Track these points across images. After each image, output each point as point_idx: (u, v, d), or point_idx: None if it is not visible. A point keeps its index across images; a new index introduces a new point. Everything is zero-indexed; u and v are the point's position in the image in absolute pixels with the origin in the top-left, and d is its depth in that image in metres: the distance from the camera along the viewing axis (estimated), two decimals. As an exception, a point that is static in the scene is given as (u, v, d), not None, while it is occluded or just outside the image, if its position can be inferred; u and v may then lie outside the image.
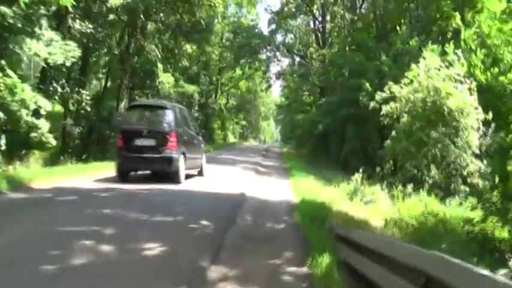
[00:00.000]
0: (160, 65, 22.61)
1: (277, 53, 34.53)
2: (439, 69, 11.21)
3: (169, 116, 9.42)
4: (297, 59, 35.81)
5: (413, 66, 11.54)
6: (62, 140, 17.09)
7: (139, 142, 8.99)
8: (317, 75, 28.93)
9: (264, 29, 35.01)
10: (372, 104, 12.42)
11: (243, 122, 62.23)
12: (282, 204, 7.85)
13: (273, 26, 32.11)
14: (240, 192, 8.53)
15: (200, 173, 11.25)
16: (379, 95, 12.02)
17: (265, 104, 68.19)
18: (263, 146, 53.24)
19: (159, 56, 22.59)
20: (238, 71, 43.10)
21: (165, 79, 22.84)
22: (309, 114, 26.38)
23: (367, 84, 16.76)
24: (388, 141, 12.43)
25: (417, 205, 7.74)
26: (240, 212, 6.22)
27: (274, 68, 51.88)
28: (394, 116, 11.81)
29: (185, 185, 9.01)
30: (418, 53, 14.46)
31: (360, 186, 11.42)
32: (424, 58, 11.68)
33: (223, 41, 38.87)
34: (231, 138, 51.11)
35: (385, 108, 11.96)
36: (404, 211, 7.58)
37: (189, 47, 25.65)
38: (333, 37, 26.50)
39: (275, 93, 65.09)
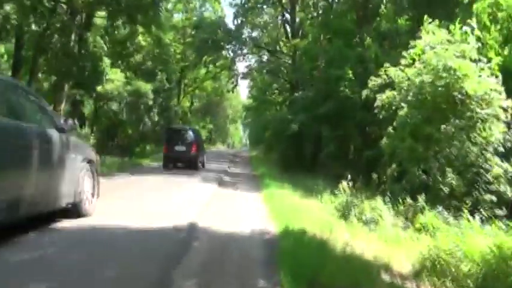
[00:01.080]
0: (107, 60, 19.40)
1: (244, 49, 31.86)
2: (447, 46, 8.77)
3: (191, 133, 16.98)
4: (265, 56, 33.30)
5: (416, 42, 9.02)
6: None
7: (177, 148, 15.91)
8: (288, 70, 26.35)
9: (230, 25, 32.45)
10: (365, 92, 9.84)
11: (210, 126, 59.18)
12: (255, 242, 5.02)
13: (239, 20, 29.36)
14: (188, 222, 5.61)
15: (203, 165, 17.82)
16: (373, 81, 9.43)
17: (233, 106, 65.67)
18: (231, 150, 50.53)
19: (105, 48, 19.38)
20: (203, 71, 40.19)
21: (114, 76, 19.64)
22: (280, 113, 23.76)
23: (349, 73, 14.28)
24: (384, 139, 9.92)
25: (462, 233, 5.10)
26: (175, 278, 3.29)
27: (241, 66, 49.51)
28: (393, 108, 9.26)
29: (107, 215, 5.69)
30: (409, 34, 12.16)
31: (353, 199, 8.78)
32: (427, 32, 9.20)
33: (186, 38, 35.83)
34: (197, 143, 47.85)
35: (380, 98, 9.41)
36: (439, 242, 4.92)
37: (142, 39, 22.51)
38: (306, 26, 23.97)
39: (243, 95, 62.75)
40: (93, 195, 5.52)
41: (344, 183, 9.92)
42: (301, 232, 5.42)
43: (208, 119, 57.40)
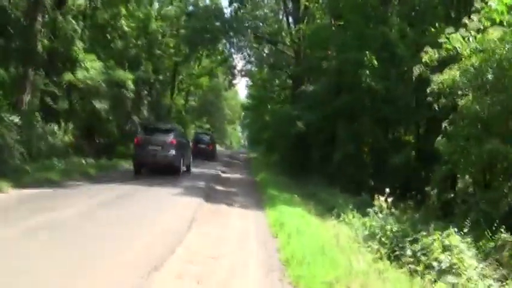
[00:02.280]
0: (80, 45, 16.50)
1: (242, 41, 28.97)
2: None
3: (209, 137, 28.03)
4: (266, 50, 30.50)
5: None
6: None
7: (201, 146, 24.86)
8: (291, 64, 23.43)
9: (227, 15, 29.41)
10: (416, 70, 6.92)
11: (206, 126, 56.26)
12: None
13: (235, 6, 26.41)
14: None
15: (216, 158, 26.23)
16: (430, 53, 6.50)
17: (231, 106, 62.99)
18: (227, 151, 47.73)
19: (79, 31, 16.51)
20: (198, 66, 37.32)
21: (90, 64, 16.65)
22: (283, 109, 20.85)
23: (371, 59, 11.42)
24: (440, 138, 7.03)
25: None
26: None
27: (239, 64, 46.82)
28: (459, 92, 6.38)
29: None
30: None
31: (404, 227, 5.91)
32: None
33: (179, 29, 32.83)
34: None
35: (438, 80, 6.53)
36: None
37: (125, 24, 19.55)
38: (312, 11, 21.03)
39: (241, 96, 60.14)
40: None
41: (381, 199, 7.11)
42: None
43: (204, 119, 54.53)
